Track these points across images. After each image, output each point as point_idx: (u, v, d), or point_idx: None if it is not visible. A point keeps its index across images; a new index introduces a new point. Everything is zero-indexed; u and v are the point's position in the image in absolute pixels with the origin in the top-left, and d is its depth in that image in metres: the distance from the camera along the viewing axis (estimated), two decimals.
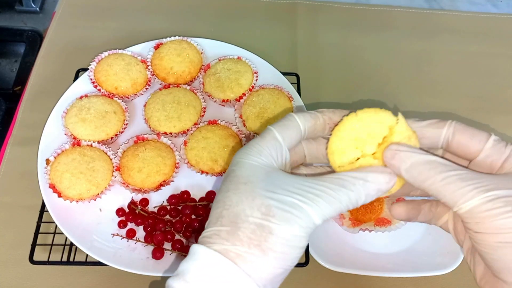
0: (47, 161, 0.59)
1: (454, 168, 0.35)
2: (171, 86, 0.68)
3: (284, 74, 0.70)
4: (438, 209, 0.42)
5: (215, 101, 0.67)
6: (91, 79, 0.67)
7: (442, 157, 0.36)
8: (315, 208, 0.34)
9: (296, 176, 0.38)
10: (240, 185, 0.36)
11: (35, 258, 0.56)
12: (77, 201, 0.58)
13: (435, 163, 0.35)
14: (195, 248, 0.36)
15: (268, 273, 0.34)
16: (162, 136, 0.63)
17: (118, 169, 0.60)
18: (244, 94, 0.66)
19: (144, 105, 0.66)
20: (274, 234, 0.34)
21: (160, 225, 0.58)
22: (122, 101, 0.66)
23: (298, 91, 0.70)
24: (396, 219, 0.42)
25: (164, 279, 0.57)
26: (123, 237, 0.57)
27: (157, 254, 0.56)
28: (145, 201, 0.61)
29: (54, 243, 0.59)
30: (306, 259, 0.56)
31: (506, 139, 0.73)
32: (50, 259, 0.57)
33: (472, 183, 0.33)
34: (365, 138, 0.38)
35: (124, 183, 0.59)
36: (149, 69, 0.69)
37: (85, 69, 0.69)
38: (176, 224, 0.58)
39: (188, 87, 0.67)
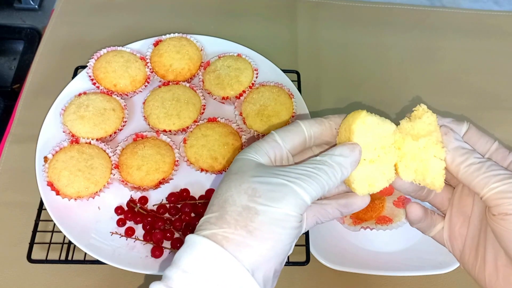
0: (45, 158, 0.59)
1: (481, 156, 0.39)
2: (170, 83, 0.67)
3: (285, 71, 0.70)
4: (434, 217, 0.44)
5: (214, 99, 0.67)
6: (89, 76, 0.67)
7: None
8: (302, 186, 0.36)
9: (284, 165, 0.40)
10: (230, 176, 0.39)
11: (33, 256, 0.56)
12: (75, 199, 0.57)
13: (471, 150, 0.39)
14: (187, 238, 0.37)
15: (257, 254, 0.35)
16: (162, 134, 0.63)
17: (117, 166, 0.60)
18: (244, 92, 0.66)
19: (143, 103, 0.66)
20: (260, 214, 0.35)
21: (159, 223, 0.57)
22: (121, 98, 0.66)
23: (299, 89, 0.69)
24: (411, 220, 0.44)
25: None
26: (122, 236, 0.57)
27: (156, 252, 0.55)
28: (144, 199, 0.60)
29: (52, 241, 0.58)
30: (306, 258, 0.56)
31: (509, 136, 0.73)
32: (48, 258, 0.57)
33: (500, 169, 0.37)
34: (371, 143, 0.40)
35: (123, 181, 0.59)
36: (148, 66, 0.69)
37: (84, 67, 0.69)
38: (176, 222, 0.58)
39: (187, 84, 0.67)
